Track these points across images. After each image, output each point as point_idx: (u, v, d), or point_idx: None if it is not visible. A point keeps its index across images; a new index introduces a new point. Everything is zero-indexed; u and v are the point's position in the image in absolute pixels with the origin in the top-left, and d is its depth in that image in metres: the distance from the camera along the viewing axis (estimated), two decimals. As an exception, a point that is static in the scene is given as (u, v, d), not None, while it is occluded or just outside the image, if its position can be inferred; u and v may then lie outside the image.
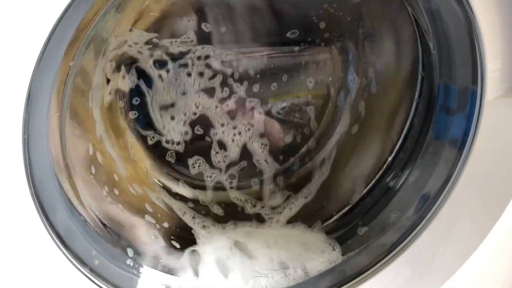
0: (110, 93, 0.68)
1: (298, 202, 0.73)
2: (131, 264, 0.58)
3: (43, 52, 0.42)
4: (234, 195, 0.76)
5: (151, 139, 0.73)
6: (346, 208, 0.69)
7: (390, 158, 0.67)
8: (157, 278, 0.59)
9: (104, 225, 0.58)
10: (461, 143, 0.53)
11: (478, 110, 0.50)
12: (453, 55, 0.53)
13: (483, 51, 0.47)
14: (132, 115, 0.71)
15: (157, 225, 0.66)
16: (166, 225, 0.67)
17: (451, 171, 0.54)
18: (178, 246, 0.65)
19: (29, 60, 0.41)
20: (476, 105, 0.50)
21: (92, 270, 0.50)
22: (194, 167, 0.75)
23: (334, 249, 0.64)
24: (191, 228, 0.69)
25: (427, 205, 0.56)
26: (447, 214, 0.54)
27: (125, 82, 0.69)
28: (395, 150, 0.67)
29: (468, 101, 0.52)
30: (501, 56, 0.47)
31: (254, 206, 0.74)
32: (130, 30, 0.66)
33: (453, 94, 0.55)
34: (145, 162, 0.74)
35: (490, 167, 0.52)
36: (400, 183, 0.64)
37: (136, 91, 0.71)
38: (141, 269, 0.59)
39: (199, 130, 0.74)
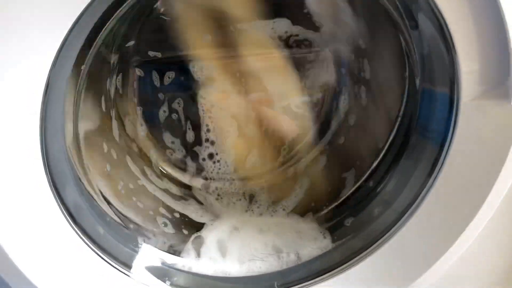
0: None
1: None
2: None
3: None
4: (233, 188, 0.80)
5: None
6: (336, 203, 0.73)
7: (376, 162, 0.71)
8: (158, 256, 0.65)
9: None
10: (441, 143, 0.56)
11: (455, 112, 0.52)
12: (430, 58, 0.56)
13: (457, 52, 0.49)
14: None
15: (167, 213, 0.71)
16: (177, 215, 0.72)
17: (431, 171, 0.57)
18: (186, 232, 0.70)
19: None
20: (454, 108, 0.53)
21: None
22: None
23: (325, 237, 0.68)
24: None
25: (409, 201, 0.59)
26: (429, 208, 0.57)
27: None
28: (381, 155, 0.71)
29: (447, 104, 0.54)
30: (478, 58, 0.49)
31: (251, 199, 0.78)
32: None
33: (434, 96, 0.58)
34: (150, 149, 0.79)
35: (467, 166, 0.54)
36: (383, 183, 0.68)
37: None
38: (140, 246, 0.64)
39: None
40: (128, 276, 0.57)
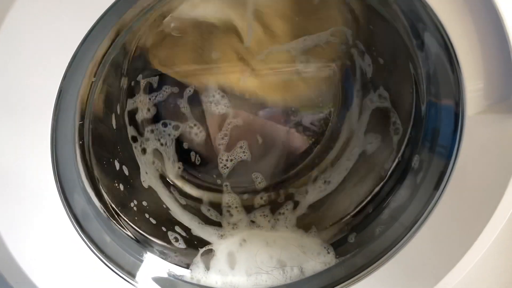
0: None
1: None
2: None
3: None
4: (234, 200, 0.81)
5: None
6: (340, 221, 0.73)
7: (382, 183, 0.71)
8: (165, 267, 0.65)
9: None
10: (447, 157, 0.56)
11: (461, 126, 0.53)
12: (436, 75, 0.57)
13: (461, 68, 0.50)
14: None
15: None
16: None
17: (437, 185, 0.57)
18: (196, 246, 0.70)
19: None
20: (459, 121, 0.53)
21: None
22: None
23: (328, 253, 0.68)
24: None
25: (416, 215, 0.59)
26: (436, 223, 0.57)
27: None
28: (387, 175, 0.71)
29: (452, 118, 0.55)
30: (482, 74, 0.50)
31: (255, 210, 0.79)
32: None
33: (439, 112, 0.59)
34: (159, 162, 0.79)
35: (474, 180, 0.55)
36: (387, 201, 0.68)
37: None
38: (146, 256, 0.64)
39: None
40: (133, 285, 0.57)
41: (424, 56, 0.59)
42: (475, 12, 0.47)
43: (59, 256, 0.51)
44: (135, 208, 0.69)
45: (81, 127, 0.59)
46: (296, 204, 0.78)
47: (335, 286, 0.62)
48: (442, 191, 0.56)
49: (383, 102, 0.73)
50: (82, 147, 0.57)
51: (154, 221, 0.70)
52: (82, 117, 0.57)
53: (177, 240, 0.70)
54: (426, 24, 0.54)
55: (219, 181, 0.81)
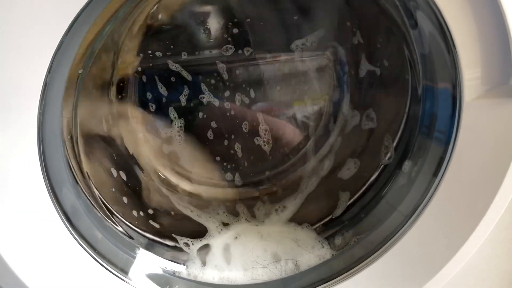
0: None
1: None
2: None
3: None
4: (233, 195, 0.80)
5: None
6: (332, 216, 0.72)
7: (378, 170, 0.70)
8: (160, 264, 0.64)
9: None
10: (446, 142, 0.55)
11: (458, 111, 0.52)
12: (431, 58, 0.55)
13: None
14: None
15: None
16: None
17: (436, 171, 0.56)
18: (191, 243, 0.69)
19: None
20: (457, 106, 0.52)
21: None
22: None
23: (323, 247, 0.67)
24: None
25: (414, 206, 0.58)
26: (434, 211, 0.56)
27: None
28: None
29: (450, 103, 0.54)
30: (479, 58, 0.49)
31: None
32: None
33: (436, 96, 0.58)
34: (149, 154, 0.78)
35: (473, 165, 0.53)
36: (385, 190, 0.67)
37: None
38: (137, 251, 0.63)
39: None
40: (127, 282, 0.56)
41: (418, 36, 0.58)
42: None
43: (49, 254, 0.49)
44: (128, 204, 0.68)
45: (70, 121, 0.58)
46: (290, 197, 0.77)
47: (334, 278, 0.60)
48: (441, 178, 0.55)
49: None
50: (71, 141, 0.56)
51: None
52: (70, 111, 0.56)
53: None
54: (418, 3, 0.53)
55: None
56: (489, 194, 0.52)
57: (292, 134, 0.80)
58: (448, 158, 0.54)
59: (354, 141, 0.75)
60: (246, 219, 0.74)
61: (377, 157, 0.70)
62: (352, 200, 0.72)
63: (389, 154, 0.69)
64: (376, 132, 0.72)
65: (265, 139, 0.78)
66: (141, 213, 0.69)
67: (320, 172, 0.78)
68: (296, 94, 0.78)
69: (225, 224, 0.73)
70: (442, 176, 0.54)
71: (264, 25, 0.73)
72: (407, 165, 0.64)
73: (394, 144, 0.68)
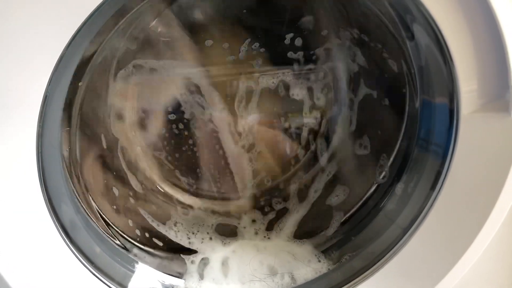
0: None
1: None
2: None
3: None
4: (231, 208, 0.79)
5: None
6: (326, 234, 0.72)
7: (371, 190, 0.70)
8: (158, 277, 0.63)
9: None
10: (443, 155, 0.55)
11: (456, 124, 0.52)
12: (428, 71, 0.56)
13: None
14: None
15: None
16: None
17: (434, 185, 0.56)
18: (187, 256, 0.69)
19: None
20: (454, 120, 0.53)
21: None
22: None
23: (319, 261, 0.67)
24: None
25: (412, 219, 0.58)
26: (432, 224, 0.56)
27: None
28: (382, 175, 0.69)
29: (447, 116, 0.54)
30: (476, 72, 0.49)
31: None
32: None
33: (433, 110, 0.58)
34: (152, 169, 0.77)
35: (470, 179, 0.54)
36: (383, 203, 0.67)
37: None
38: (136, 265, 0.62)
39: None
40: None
41: (414, 49, 0.58)
42: (469, 10, 0.47)
43: (47, 268, 0.49)
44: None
45: (68, 134, 0.57)
46: (287, 212, 0.77)
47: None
48: (438, 191, 0.55)
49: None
50: (69, 153, 0.56)
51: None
52: (69, 123, 0.56)
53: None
54: (415, 16, 0.53)
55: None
56: (486, 207, 0.52)
57: (285, 148, 0.80)
58: (445, 171, 0.54)
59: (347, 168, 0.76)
60: (244, 234, 0.74)
61: (372, 176, 0.70)
62: (347, 216, 0.72)
63: (383, 173, 0.69)
64: (371, 154, 0.72)
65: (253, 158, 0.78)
66: (141, 228, 0.68)
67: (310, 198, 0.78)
68: (291, 108, 0.78)
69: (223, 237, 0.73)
70: (439, 189, 0.55)
71: (262, 38, 0.73)
72: (399, 187, 0.64)
73: (389, 162, 0.69)
